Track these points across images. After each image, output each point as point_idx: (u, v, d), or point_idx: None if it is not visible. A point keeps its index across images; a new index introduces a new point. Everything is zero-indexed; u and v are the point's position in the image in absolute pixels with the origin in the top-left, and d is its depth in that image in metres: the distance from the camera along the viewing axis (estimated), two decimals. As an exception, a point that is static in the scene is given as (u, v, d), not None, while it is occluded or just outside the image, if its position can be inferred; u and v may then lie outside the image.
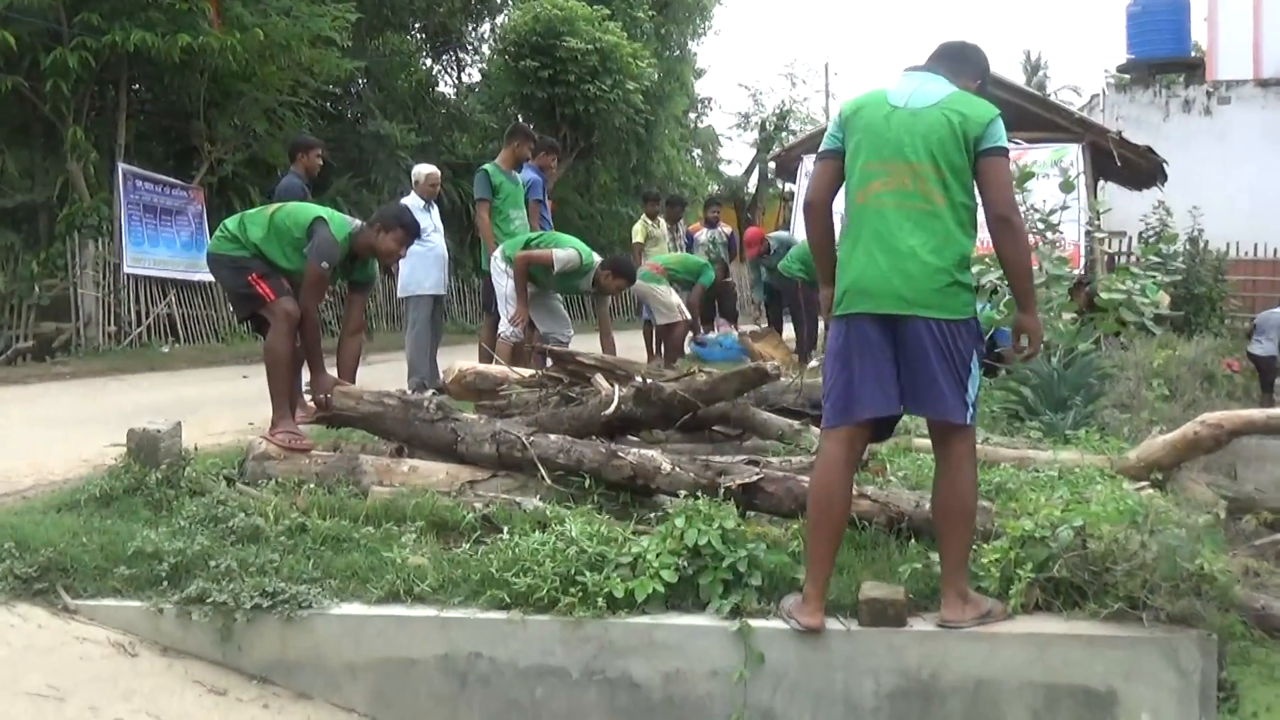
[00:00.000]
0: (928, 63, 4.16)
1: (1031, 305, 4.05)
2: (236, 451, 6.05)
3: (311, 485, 5.25)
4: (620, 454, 5.01)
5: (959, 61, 4.16)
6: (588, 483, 5.01)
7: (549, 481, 5.02)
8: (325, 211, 6.28)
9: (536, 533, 4.43)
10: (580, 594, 4.07)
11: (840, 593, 4.05)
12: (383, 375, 11.87)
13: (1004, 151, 3.91)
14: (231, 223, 6.34)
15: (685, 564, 4.09)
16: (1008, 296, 7.44)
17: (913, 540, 4.41)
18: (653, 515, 4.78)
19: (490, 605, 4.12)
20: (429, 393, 10.02)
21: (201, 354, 16.89)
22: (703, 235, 13.86)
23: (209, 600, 4.18)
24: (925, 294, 3.81)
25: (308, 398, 6.19)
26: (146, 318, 17.06)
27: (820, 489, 3.95)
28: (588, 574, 4.11)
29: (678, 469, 4.86)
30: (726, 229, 14.18)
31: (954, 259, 3.85)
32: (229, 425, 7.05)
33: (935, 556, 4.09)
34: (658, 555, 4.11)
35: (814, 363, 9.68)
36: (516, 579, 4.13)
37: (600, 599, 4.04)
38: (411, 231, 6.42)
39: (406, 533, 4.66)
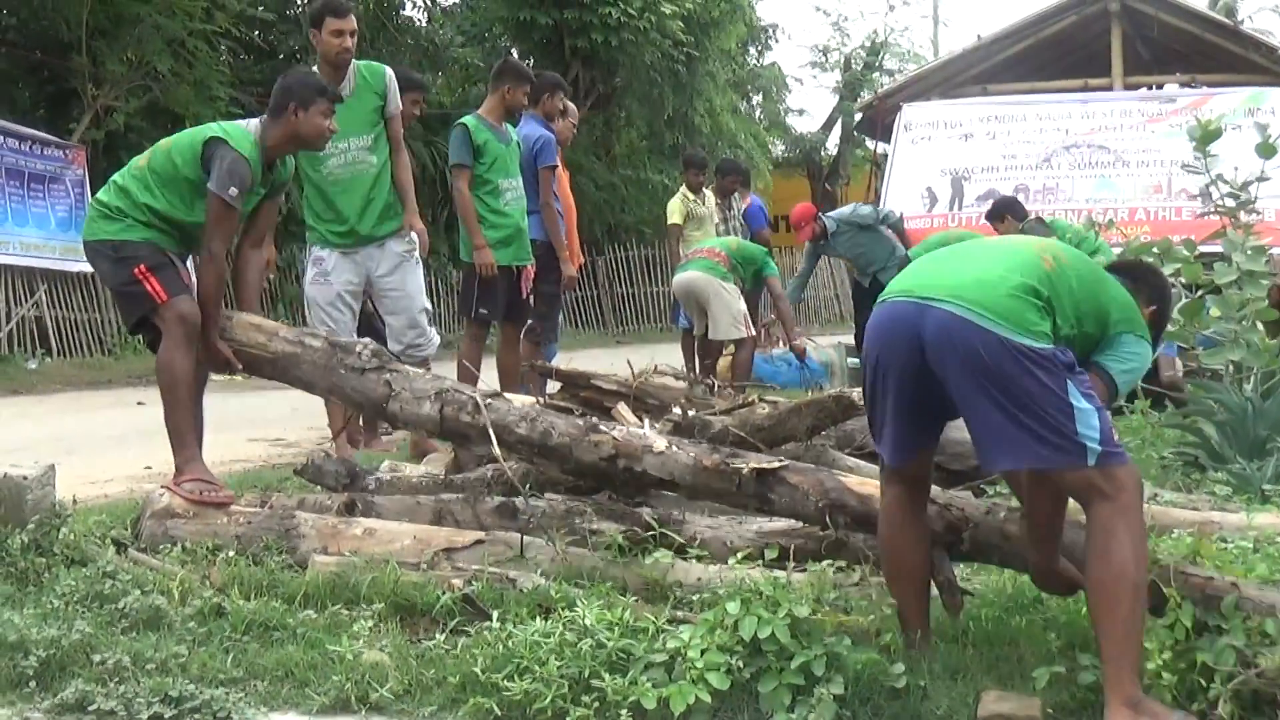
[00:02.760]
0: None
1: None
2: (129, 506, 6.08)
3: (231, 553, 5.26)
4: (601, 428, 5.07)
5: None
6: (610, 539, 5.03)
7: (502, 462, 5.14)
8: (217, 128, 6.39)
9: (537, 620, 4.42)
10: (597, 704, 4.05)
11: (953, 705, 4.04)
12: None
13: None
14: (106, 192, 6.41)
15: (740, 664, 4.07)
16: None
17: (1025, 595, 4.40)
18: (695, 597, 4.78)
19: (474, 717, 4.13)
20: (384, 434, 10.13)
21: (81, 371, 17.03)
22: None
23: (92, 708, 4.17)
24: None
25: None
26: (8, 322, 17.16)
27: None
28: (607, 677, 4.09)
29: (674, 448, 4.92)
30: (746, 200, 14.25)
31: None
32: (119, 469, 7.10)
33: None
34: (703, 652, 4.09)
35: None
36: (510, 683, 4.12)
37: (624, 711, 4.03)
38: (331, 94, 6.63)
39: (360, 618, 4.66)
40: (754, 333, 11.50)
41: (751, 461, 4.84)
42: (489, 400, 5.33)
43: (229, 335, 6.15)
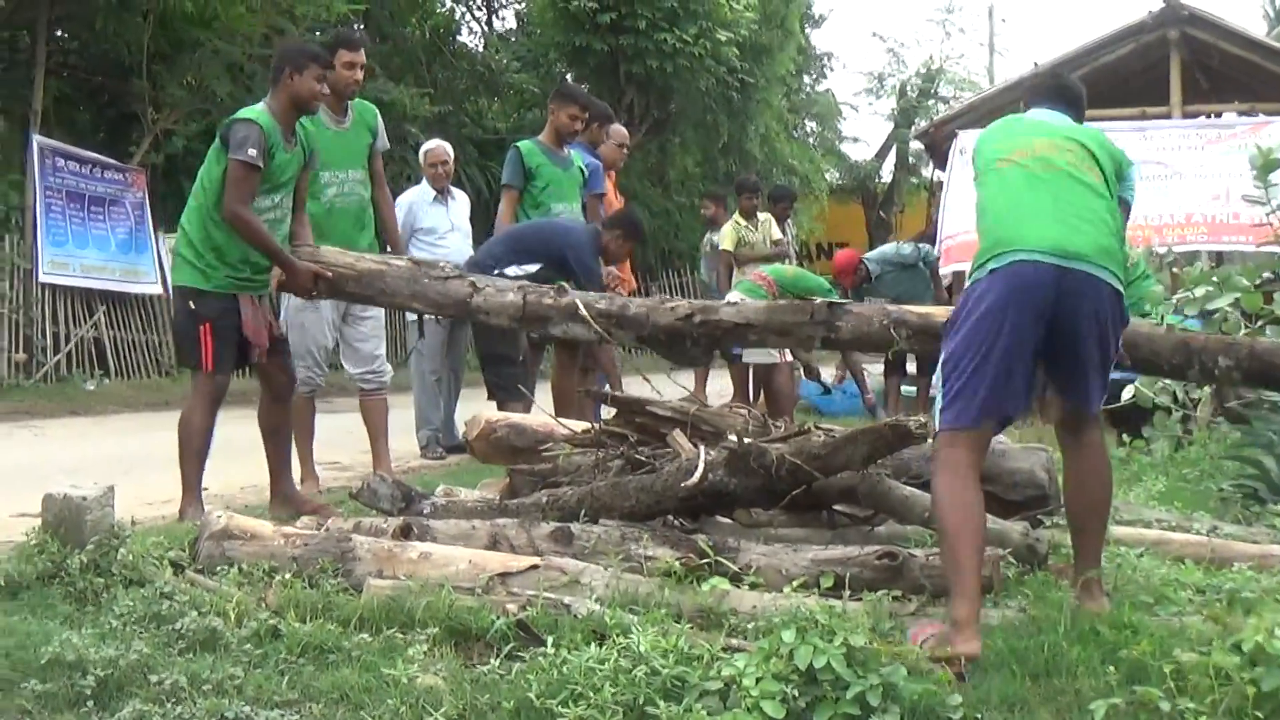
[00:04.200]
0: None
1: None
2: (187, 528, 6.12)
3: (287, 575, 5.28)
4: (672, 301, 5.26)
5: None
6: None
7: (598, 331, 5.31)
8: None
9: (591, 646, 4.41)
10: (651, 731, 4.05)
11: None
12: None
13: None
14: (179, 237, 7.13)
15: (795, 693, 4.05)
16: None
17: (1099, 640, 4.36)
18: (750, 625, 4.76)
19: (528, 744, 4.12)
20: (439, 451, 10.17)
21: (139, 393, 17.12)
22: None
23: (148, 728, 4.21)
24: None
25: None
26: (66, 343, 17.27)
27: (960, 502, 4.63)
28: (662, 704, 4.08)
29: (745, 299, 5.06)
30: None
31: None
32: (176, 491, 7.12)
33: (1138, 688, 4.05)
34: (758, 680, 4.07)
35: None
36: (564, 709, 4.12)
37: (679, 738, 4.02)
38: (323, 59, 7.17)
39: (415, 642, 4.66)
40: (789, 359, 11.44)
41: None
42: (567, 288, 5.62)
43: (320, 258, 6.84)
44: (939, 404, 4.66)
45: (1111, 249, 4.59)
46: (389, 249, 8.62)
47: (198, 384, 6.97)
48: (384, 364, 8.69)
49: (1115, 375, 4.96)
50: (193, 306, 6.87)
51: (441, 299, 6.46)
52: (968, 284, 4.67)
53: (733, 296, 11.17)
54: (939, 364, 4.74)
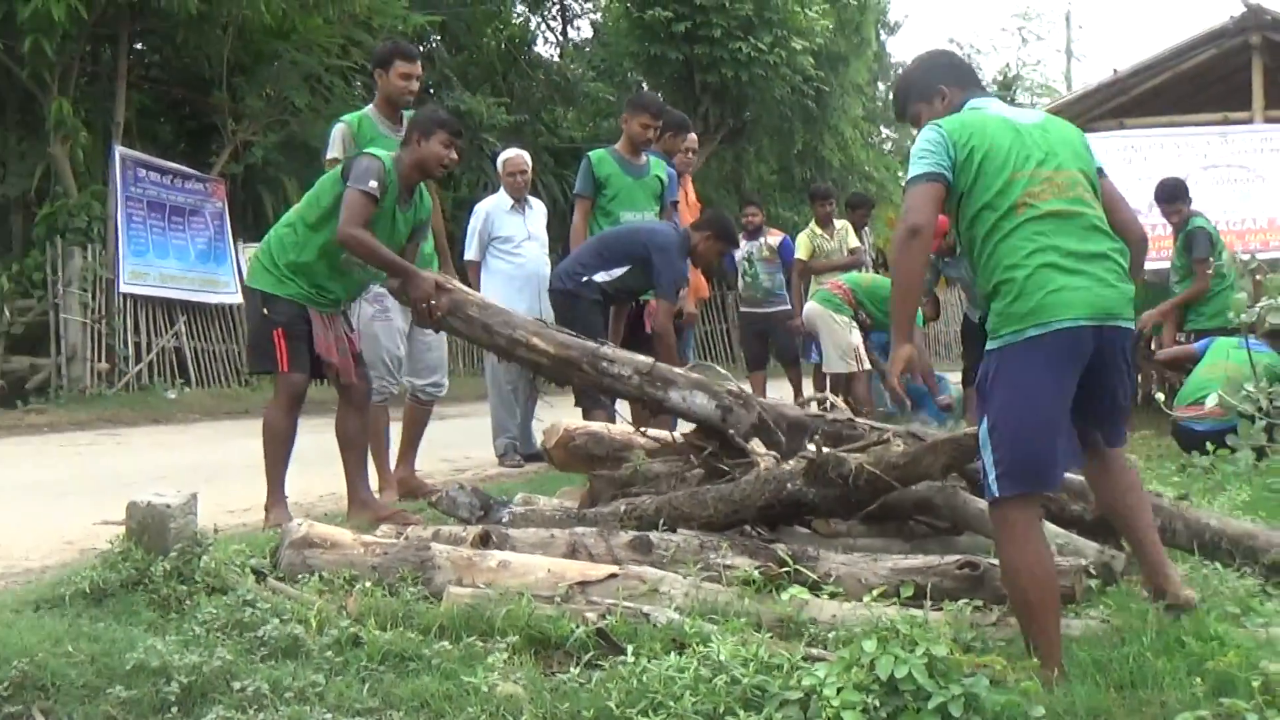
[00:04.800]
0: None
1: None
2: (268, 535, 6.16)
3: (367, 583, 5.30)
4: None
5: None
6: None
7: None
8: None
9: (671, 655, 4.40)
10: (731, 741, 4.04)
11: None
12: (457, 435, 12.06)
13: None
14: (264, 246, 7.16)
15: (877, 703, 4.03)
16: None
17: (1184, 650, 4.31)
18: (830, 635, 4.74)
19: (608, 752, 4.12)
20: (517, 459, 10.19)
21: (219, 401, 17.26)
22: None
23: (231, 734, 4.24)
24: None
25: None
26: (148, 352, 17.44)
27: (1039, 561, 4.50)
28: (742, 713, 4.07)
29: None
30: (775, 236, 13.73)
31: None
32: (256, 499, 7.18)
33: (1225, 701, 4.01)
34: (839, 690, 4.05)
35: None
36: (644, 717, 4.11)
37: (759, 748, 4.01)
38: (452, 127, 7.09)
39: (494, 650, 4.67)
40: (866, 367, 11.39)
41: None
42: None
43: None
44: (991, 472, 4.56)
45: (1131, 293, 4.66)
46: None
47: (277, 385, 7.06)
48: (445, 376, 8.80)
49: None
50: (266, 311, 6.95)
51: (565, 346, 6.35)
52: (999, 340, 4.56)
53: (809, 307, 11.15)
54: (987, 428, 4.65)
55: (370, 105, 8.28)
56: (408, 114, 8.13)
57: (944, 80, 5.00)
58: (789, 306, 13.17)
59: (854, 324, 11.21)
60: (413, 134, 7.07)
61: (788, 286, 13.24)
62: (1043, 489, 4.60)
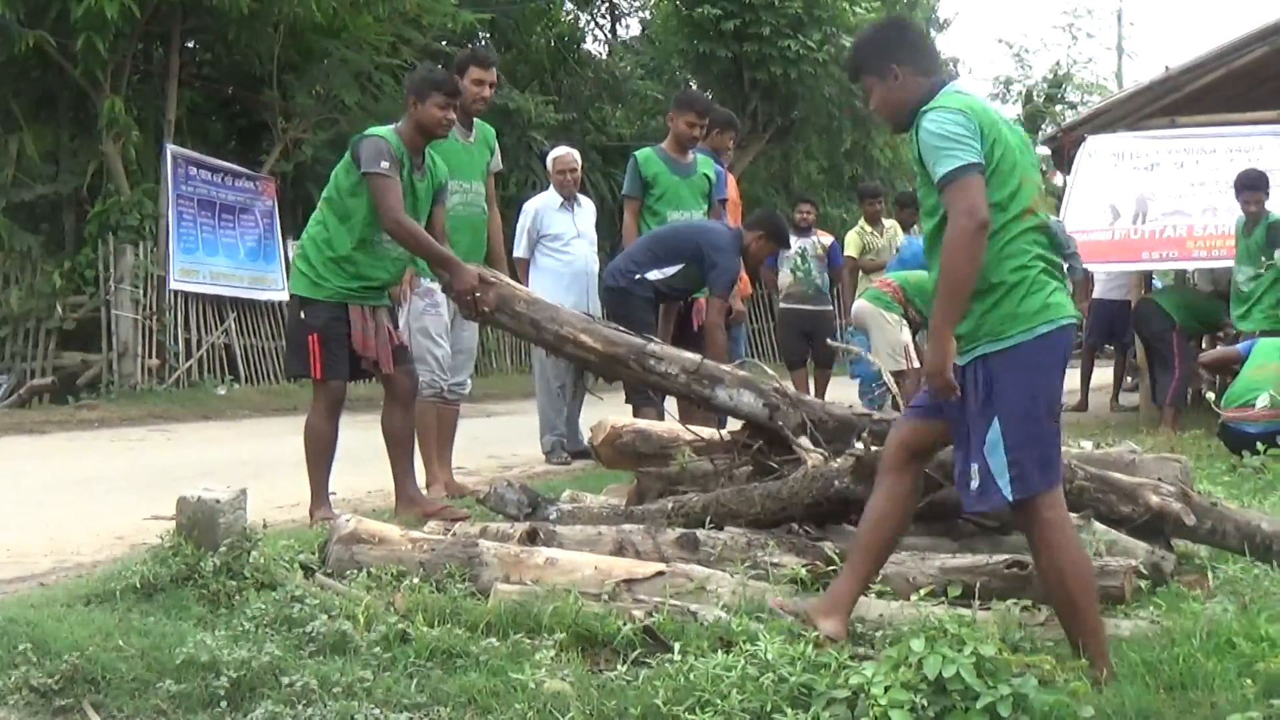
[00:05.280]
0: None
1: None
2: (317, 531, 6.19)
3: (415, 580, 5.32)
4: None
5: None
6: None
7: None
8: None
9: (718, 653, 4.41)
10: (778, 739, 4.03)
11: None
12: (505, 432, 12.08)
13: None
14: (299, 249, 7.30)
15: (925, 703, 4.01)
16: None
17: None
18: (877, 634, 4.73)
19: (655, 750, 4.11)
20: (564, 456, 10.20)
21: (268, 398, 17.34)
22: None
23: (280, 729, 4.26)
24: None
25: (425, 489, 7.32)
26: (198, 349, 17.53)
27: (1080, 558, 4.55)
28: (789, 712, 4.06)
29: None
30: (825, 237, 13.69)
31: None
32: (305, 494, 7.20)
33: (1276, 701, 3.99)
34: (886, 689, 4.04)
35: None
36: (691, 716, 4.11)
37: (806, 746, 4.00)
38: (448, 86, 7.19)
39: (542, 647, 4.67)
40: (916, 365, 11.35)
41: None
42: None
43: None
44: (1003, 475, 4.50)
45: None
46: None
47: (316, 392, 7.12)
48: (469, 377, 8.84)
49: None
50: (303, 315, 7.02)
51: (612, 343, 6.33)
52: (1008, 340, 4.55)
53: (858, 305, 11.12)
54: (999, 430, 4.56)
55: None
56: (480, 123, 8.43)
57: (897, 59, 4.84)
58: (831, 307, 13.21)
59: (904, 322, 11.16)
60: (409, 98, 7.20)
61: (832, 289, 13.23)
62: (1057, 482, 4.59)
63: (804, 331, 13.06)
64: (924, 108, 4.65)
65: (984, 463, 4.50)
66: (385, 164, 6.78)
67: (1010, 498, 4.48)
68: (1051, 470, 4.52)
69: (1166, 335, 12.60)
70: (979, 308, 4.55)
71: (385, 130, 7.11)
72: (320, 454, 7.09)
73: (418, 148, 7.18)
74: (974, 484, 4.55)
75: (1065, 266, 12.24)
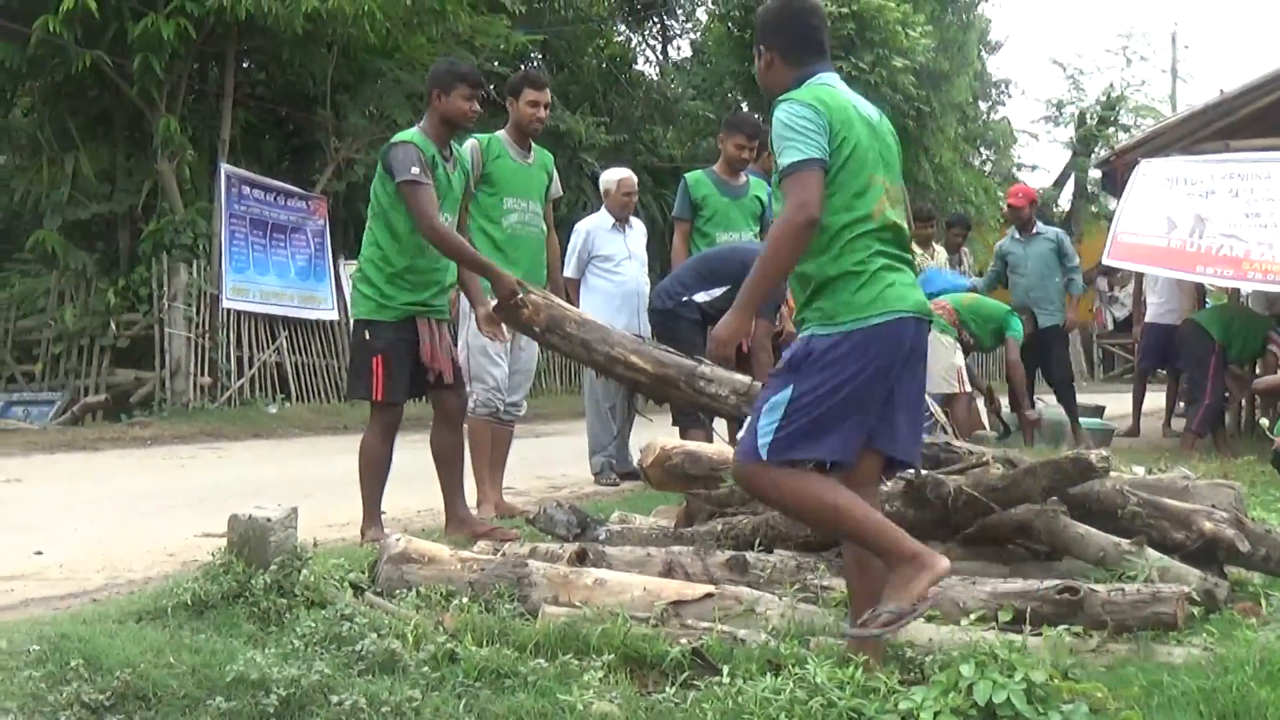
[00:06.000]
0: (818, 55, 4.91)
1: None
2: (367, 550, 6.21)
3: (464, 600, 5.33)
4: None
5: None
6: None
7: None
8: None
9: (767, 676, 4.39)
10: (827, 763, 4.02)
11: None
12: (554, 452, 12.09)
13: None
14: (357, 273, 7.29)
15: (974, 729, 4.01)
16: None
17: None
18: (927, 658, 4.71)
19: (703, 773, 4.11)
20: (613, 477, 10.20)
21: (319, 416, 17.40)
22: None
23: (329, 748, 4.27)
24: None
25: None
26: (250, 367, 17.62)
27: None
28: (837, 736, 4.07)
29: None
30: None
31: None
32: (355, 513, 7.23)
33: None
34: (935, 715, 4.03)
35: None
36: (739, 739, 4.11)
37: (855, 771, 3.99)
38: (472, 78, 7.24)
39: (590, 669, 4.67)
40: (968, 389, 11.31)
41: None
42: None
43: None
44: (765, 435, 4.56)
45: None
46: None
47: (374, 413, 7.13)
48: (525, 399, 8.85)
49: None
50: (367, 337, 7.04)
51: (663, 364, 6.33)
52: (842, 326, 4.59)
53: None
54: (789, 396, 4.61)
55: (503, 129, 8.49)
56: (537, 147, 8.51)
57: (766, 42, 4.92)
58: None
59: (958, 345, 11.14)
60: (432, 90, 7.23)
61: None
62: (813, 457, 4.59)
63: None
64: (781, 97, 4.70)
65: (757, 418, 4.58)
66: (416, 169, 6.83)
67: (763, 456, 4.54)
68: (820, 445, 4.54)
69: (1204, 359, 12.43)
70: (815, 298, 4.66)
71: (411, 134, 7.15)
72: (374, 474, 7.11)
73: (444, 141, 7.23)
74: (742, 432, 4.71)
75: (1066, 280, 12.21)
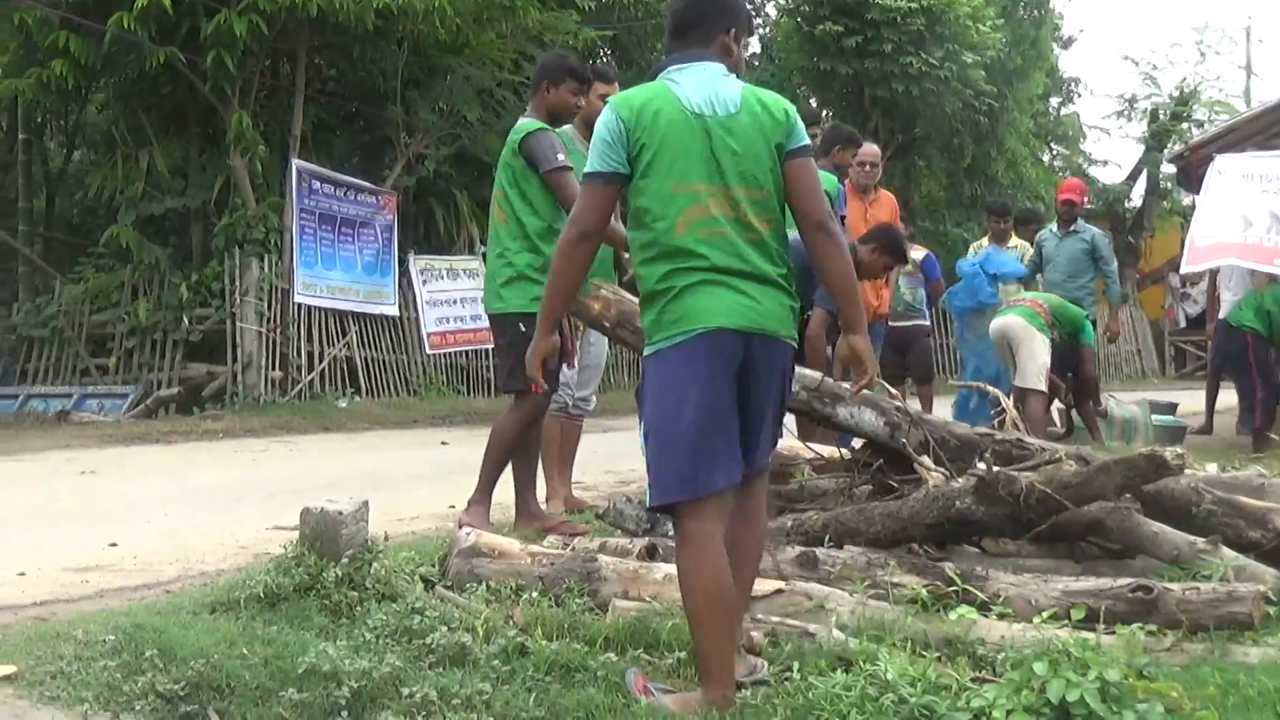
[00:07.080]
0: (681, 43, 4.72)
1: (862, 325, 4.77)
2: (437, 544, 6.23)
3: (534, 594, 5.35)
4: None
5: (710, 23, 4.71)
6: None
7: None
8: (514, 134, 7.18)
9: (838, 672, 4.38)
10: (899, 760, 4.01)
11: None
12: (622, 447, 12.07)
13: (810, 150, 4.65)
14: (494, 265, 7.25)
15: (1047, 727, 3.98)
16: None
17: None
18: (999, 656, 4.68)
19: (774, 768, 4.09)
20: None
21: (388, 411, 17.45)
22: None
23: (400, 741, 4.29)
24: None
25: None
26: (320, 361, 17.70)
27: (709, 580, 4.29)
28: (909, 734, 4.05)
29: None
30: (918, 252, 13.32)
31: None
32: (425, 507, 7.28)
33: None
34: (1008, 713, 3.99)
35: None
36: (810, 734, 4.10)
37: (927, 768, 3.97)
38: (580, 74, 7.37)
39: (660, 663, 4.68)
40: (1043, 389, 11.22)
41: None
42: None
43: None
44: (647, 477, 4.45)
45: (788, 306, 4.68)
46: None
47: (522, 402, 7.05)
48: (594, 395, 8.80)
49: None
50: (523, 328, 6.80)
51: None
52: (654, 346, 4.44)
53: (1008, 320, 11.01)
54: (644, 429, 4.51)
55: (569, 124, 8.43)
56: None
57: (669, 30, 4.85)
58: (927, 322, 13.12)
59: (1049, 343, 11.06)
60: (541, 81, 7.32)
61: (929, 303, 13.10)
62: (703, 494, 4.31)
63: (894, 346, 12.89)
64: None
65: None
66: (561, 155, 6.93)
67: (649, 503, 4.45)
68: (692, 482, 4.30)
69: (1241, 356, 12.28)
70: (644, 314, 4.52)
71: (536, 122, 7.17)
72: (501, 456, 7.10)
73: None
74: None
75: (1103, 284, 11.92)
